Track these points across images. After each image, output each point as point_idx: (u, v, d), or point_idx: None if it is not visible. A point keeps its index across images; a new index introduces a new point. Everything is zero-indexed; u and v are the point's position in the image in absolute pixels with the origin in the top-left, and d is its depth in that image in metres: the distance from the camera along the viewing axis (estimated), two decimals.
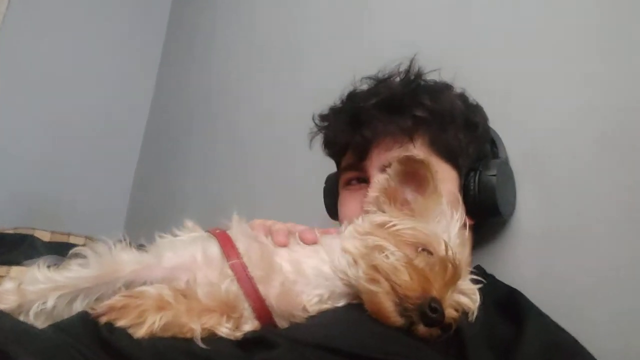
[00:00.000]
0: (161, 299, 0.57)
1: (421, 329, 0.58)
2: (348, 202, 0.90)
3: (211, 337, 0.57)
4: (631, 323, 0.75)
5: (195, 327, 0.56)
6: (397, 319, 0.58)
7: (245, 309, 0.61)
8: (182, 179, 2.35)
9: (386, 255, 0.61)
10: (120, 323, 0.55)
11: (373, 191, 0.72)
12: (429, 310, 0.57)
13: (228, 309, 0.59)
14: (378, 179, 0.73)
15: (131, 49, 2.90)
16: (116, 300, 0.56)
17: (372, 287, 0.60)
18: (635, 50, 0.82)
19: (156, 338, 0.54)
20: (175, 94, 2.71)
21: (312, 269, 0.65)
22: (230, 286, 0.61)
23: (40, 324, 0.61)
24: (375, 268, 0.60)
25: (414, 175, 0.71)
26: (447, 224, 0.67)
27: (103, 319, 0.55)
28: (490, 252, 0.96)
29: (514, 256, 0.93)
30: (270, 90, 1.88)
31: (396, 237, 0.64)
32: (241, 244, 0.65)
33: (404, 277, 0.58)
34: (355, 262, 0.63)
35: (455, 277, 0.60)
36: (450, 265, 0.59)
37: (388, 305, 0.58)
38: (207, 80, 2.38)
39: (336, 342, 0.56)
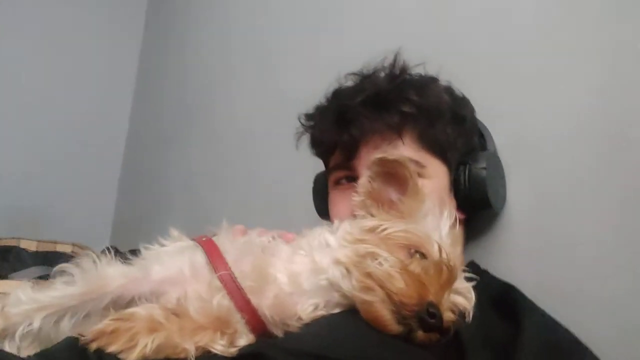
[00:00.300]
0: (152, 320, 0.55)
1: (420, 335, 0.57)
2: (339, 201, 0.89)
3: (206, 355, 0.55)
4: (624, 313, 0.75)
5: (188, 347, 0.54)
6: (395, 327, 0.57)
7: (239, 322, 0.60)
8: (167, 182, 2.33)
9: (379, 262, 0.60)
10: (111, 349, 0.53)
11: (358, 196, 0.71)
12: (427, 316, 0.56)
13: (221, 325, 0.58)
14: (361, 183, 0.71)
15: (109, 56, 2.87)
16: (106, 324, 0.55)
17: (367, 297, 0.58)
18: (625, 38, 0.81)
19: None
20: (155, 98, 2.69)
21: (308, 282, 0.63)
22: (221, 301, 0.60)
23: (27, 345, 0.60)
24: (369, 276, 0.59)
25: (394, 176, 0.70)
26: (437, 223, 0.66)
27: (93, 346, 0.53)
28: (482, 246, 0.96)
29: (506, 248, 0.92)
30: (250, 91, 1.85)
31: (388, 241, 0.63)
32: (230, 255, 0.64)
33: (399, 284, 0.57)
34: (348, 271, 0.61)
35: (451, 279, 0.59)
36: (445, 268, 0.58)
37: (385, 314, 0.57)
38: (186, 84, 2.36)
39: (333, 351, 0.55)
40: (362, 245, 0.63)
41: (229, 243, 0.66)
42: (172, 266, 0.63)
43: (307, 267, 0.64)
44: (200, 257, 0.64)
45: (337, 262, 0.63)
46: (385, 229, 0.64)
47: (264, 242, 0.68)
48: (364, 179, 0.71)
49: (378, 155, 0.70)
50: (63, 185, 2.66)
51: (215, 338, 0.57)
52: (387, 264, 0.59)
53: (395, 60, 0.89)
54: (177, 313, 0.57)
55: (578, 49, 0.87)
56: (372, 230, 0.65)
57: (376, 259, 0.60)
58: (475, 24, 1.08)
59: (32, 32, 2.66)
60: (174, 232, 0.69)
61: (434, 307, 0.56)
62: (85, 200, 2.70)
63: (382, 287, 0.58)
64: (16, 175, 2.53)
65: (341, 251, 0.64)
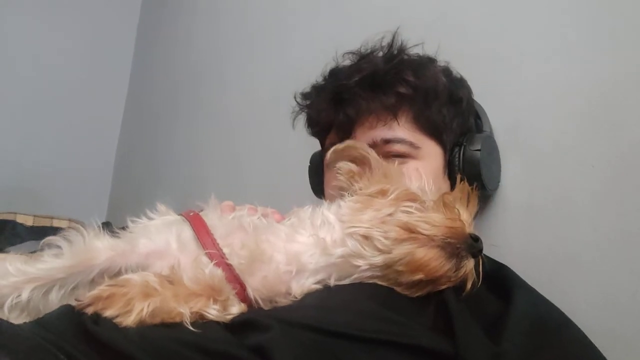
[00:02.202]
0: (147, 285, 0.55)
1: (469, 265, 0.60)
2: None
3: (200, 322, 0.55)
4: (615, 293, 0.75)
5: (183, 311, 0.54)
6: (447, 264, 0.59)
7: (231, 291, 0.60)
8: (165, 157, 2.33)
9: (406, 211, 0.62)
10: (108, 313, 0.53)
11: (341, 177, 0.73)
12: (472, 239, 0.60)
13: (214, 293, 0.58)
14: (339, 166, 0.73)
15: (107, 32, 2.86)
16: (102, 290, 0.54)
17: (408, 247, 0.59)
18: (621, 22, 0.81)
19: (145, 327, 0.53)
20: (151, 77, 2.67)
21: (314, 260, 0.63)
22: (214, 270, 0.60)
23: (16, 317, 0.59)
24: (404, 225, 0.60)
25: (355, 160, 0.72)
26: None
27: (90, 310, 0.53)
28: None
29: (498, 229, 0.93)
30: (253, 64, 1.84)
31: (400, 197, 0.64)
32: (218, 230, 0.64)
33: (438, 218, 0.60)
34: (367, 238, 0.61)
35: (475, 204, 0.63)
36: (471, 191, 0.64)
37: (433, 253, 0.59)
38: (188, 54, 2.34)
39: (328, 323, 0.55)
40: (377, 208, 0.64)
41: (216, 219, 0.66)
42: (159, 239, 0.63)
43: (311, 246, 0.64)
44: (187, 232, 0.64)
45: (351, 234, 0.63)
46: (395, 189, 0.65)
47: (255, 220, 0.68)
48: (342, 163, 0.73)
49: (329, 151, 0.73)
50: (60, 161, 2.66)
51: (209, 304, 0.57)
52: (414, 209, 0.62)
53: (393, 40, 0.88)
54: (171, 280, 0.57)
55: (576, 31, 0.86)
56: (379, 193, 0.66)
57: (402, 211, 0.62)
58: (475, 4, 1.06)
59: (32, 3, 2.64)
60: (161, 207, 0.69)
61: (472, 234, 0.60)
62: (82, 176, 2.70)
63: (419, 232, 0.60)
64: (13, 150, 2.53)
65: (354, 220, 0.64)
